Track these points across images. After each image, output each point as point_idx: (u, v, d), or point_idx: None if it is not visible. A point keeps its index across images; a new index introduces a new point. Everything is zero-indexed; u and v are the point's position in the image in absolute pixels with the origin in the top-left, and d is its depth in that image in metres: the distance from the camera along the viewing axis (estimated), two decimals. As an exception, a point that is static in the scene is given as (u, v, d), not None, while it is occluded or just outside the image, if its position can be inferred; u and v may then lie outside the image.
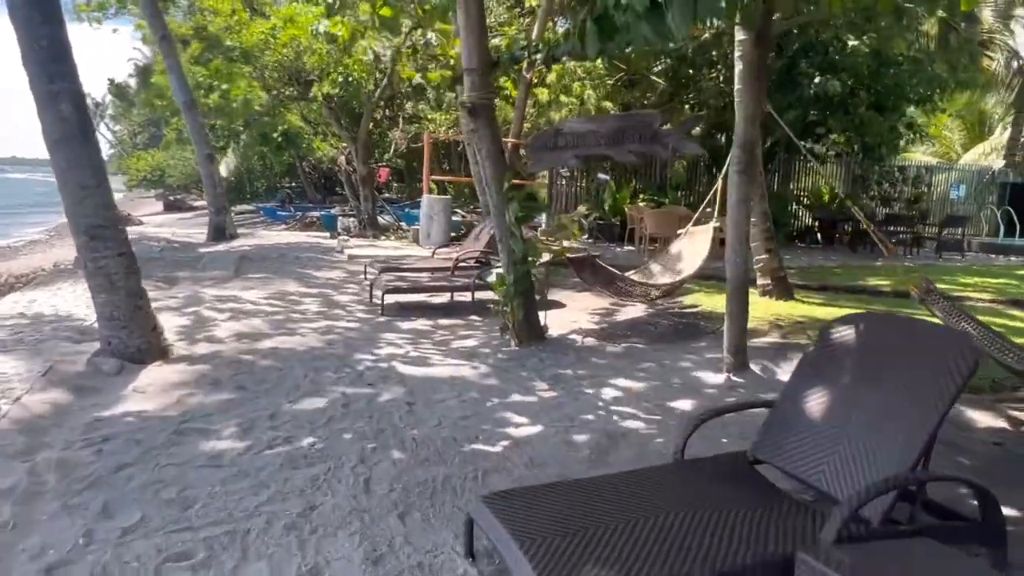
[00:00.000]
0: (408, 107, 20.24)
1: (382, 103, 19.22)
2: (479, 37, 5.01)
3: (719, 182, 7.20)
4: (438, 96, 19.27)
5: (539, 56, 6.15)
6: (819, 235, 15.65)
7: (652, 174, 15.67)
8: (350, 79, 14.12)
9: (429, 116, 18.78)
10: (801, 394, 2.95)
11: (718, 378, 4.98)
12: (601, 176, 13.71)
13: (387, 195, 25.33)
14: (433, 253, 9.56)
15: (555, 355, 5.52)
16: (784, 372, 5.09)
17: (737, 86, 4.50)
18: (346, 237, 13.75)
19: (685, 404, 4.45)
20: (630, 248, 12.95)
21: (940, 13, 12.74)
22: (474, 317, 7.01)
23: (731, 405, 3.15)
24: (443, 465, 3.42)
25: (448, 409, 4.24)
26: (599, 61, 16.19)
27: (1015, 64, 17.01)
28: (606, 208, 14.01)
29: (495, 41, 18.57)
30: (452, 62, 9.89)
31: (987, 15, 14.36)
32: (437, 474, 3.30)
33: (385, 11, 5.61)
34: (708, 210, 7.66)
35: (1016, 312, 7.48)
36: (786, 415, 2.95)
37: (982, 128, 28.76)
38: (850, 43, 11.53)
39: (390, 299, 7.27)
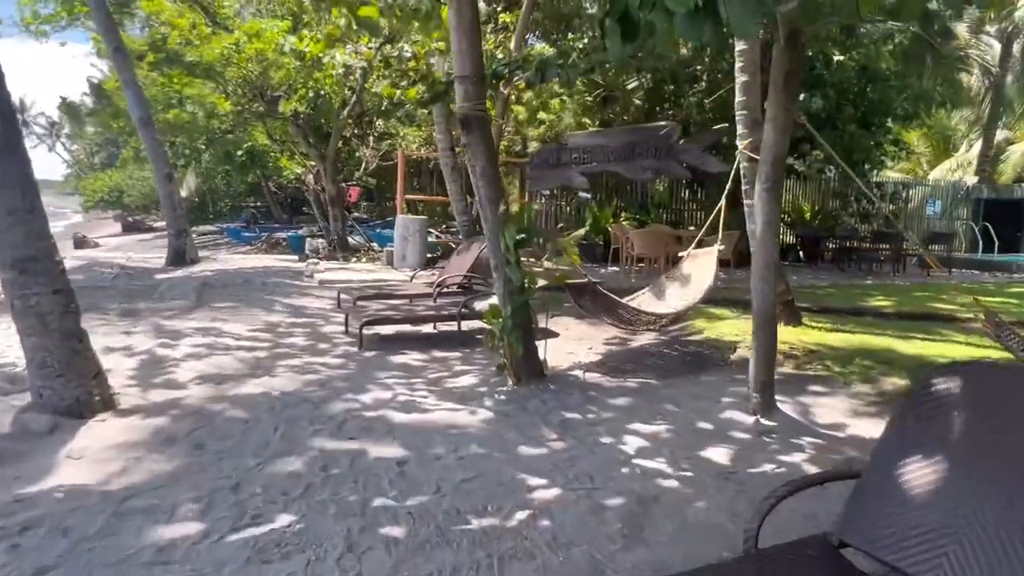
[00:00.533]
0: (379, 124, 19.64)
1: (351, 120, 18.60)
2: (473, 41, 4.46)
3: (723, 200, 6.74)
4: (409, 112, 18.75)
5: (526, 74, 5.66)
6: (801, 253, 15.39)
7: (634, 192, 15.27)
8: (320, 94, 13.47)
9: (401, 132, 18.18)
10: (899, 462, 2.40)
11: (745, 420, 4.44)
12: (582, 195, 13.25)
13: (357, 214, 24.62)
14: (412, 278, 8.93)
15: (558, 395, 4.93)
16: (818, 412, 4.59)
17: (764, 96, 4.03)
18: (316, 260, 13.03)
19: (717, 454, 3.90)
20: (615, 268, 12.46)
21: (913, 28, 12.66)
22: (463, 349, 6.40)
23: (809, 479, 2.60)
24: (448, 549, 2.79)
25: (447, 469, 3.61)
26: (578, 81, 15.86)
27: (986, 80, 17.11)
28: (588, 227, 13.54)
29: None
30: (429, 76, 9.32)
31: (962, 30, 14.36)
32: (443, 564, 2.67)
33: (367, 10, 5.03)
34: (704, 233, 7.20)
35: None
36: (881, 489, 2.40)
37: (947, 145, 29.26)
38: (835, 58, 11.29)
39: (370, 330, 6.63)
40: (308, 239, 17.26)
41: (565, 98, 15.44)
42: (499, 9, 17.14)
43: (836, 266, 14.19)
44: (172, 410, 4.39)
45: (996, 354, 5.99)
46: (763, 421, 4.39)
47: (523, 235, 4.70)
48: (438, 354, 6.20)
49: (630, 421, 4.42)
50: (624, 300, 5.85)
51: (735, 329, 6.95)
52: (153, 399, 4.62)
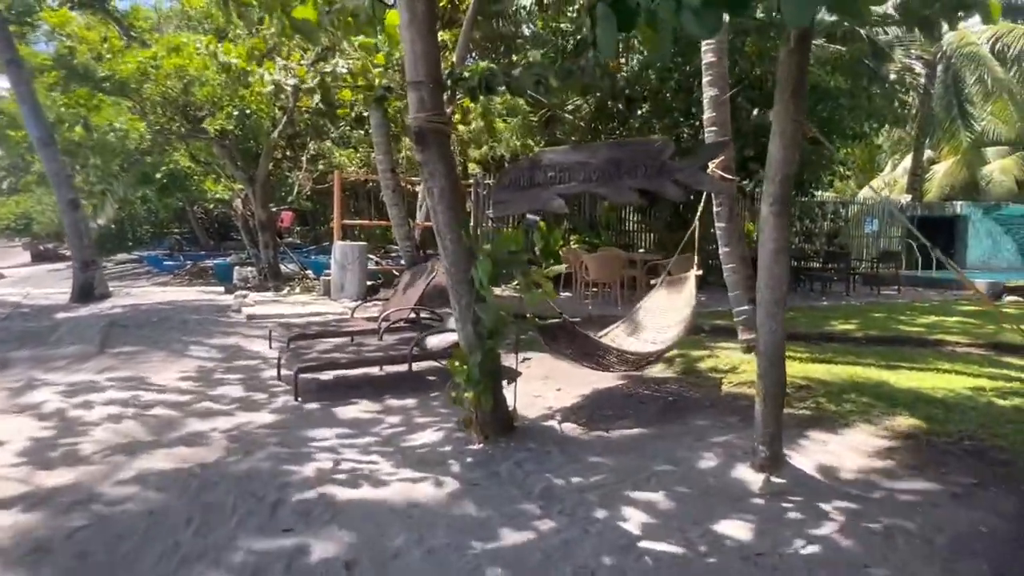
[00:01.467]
0: (312, 146, 18.65)
1: (283, 142, 17.57)
2: (428, 40, 3.77)
3: (695, 224, 6.23)
4: (344, 133, 17.87)
5: (471, 84, 5.02)
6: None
7: (583, 213, 14.82)
8: (247, 113, 12.48)
9: (338, 154, 17.26)
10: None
11: (754, 478, 3.82)
12: (531, 217, 12.58)
13: (290, 240, 23.37)
14: (353, 312, 8.07)
15: (535, 454, 4.22)
16: (830, 464, 4.02)
17: (776, 105, 3.48)
18: (244, 292, 11.94)
19: (735, 528, 3.25)
20: (567, 294, 11.89)
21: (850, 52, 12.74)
22: (417, 395, 5.62)
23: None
24: None
25: (410, 572, 2.84)
26: (520, 100, 15.37)
27: (915, 101, 17.56)
28: (537, 252, 12.95)
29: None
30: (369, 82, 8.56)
31: (898, 53, 14.64)
32: None
33: (303, 11, 4.26)
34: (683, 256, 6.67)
35: (1015, 360, 6.85)
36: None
37: (872, 164, 30.28)
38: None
39: (307, 377, 5.77)
40: (236, 267, 16.11)
41: (509, 119, 14.95)
42: (437, 27, 16.58)
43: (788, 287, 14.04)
44: (52, 501, 3.46)
45: (989, 384, 5.64)
46: (775, 480, 3.79)
47: (501, 268, 4.00)
48: (390, 403, 5.39)
49: (624, 486, 3.74)
50: (603, 338, 5.21)
51: (714, 362, 6.41)
52: (30, 485, 3.66)
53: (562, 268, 4.54)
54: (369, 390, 5.79)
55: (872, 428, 4.60)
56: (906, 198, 20.30)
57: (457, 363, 4.24)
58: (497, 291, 4.30)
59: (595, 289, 11.07)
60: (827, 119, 11.34)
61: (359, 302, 10.04)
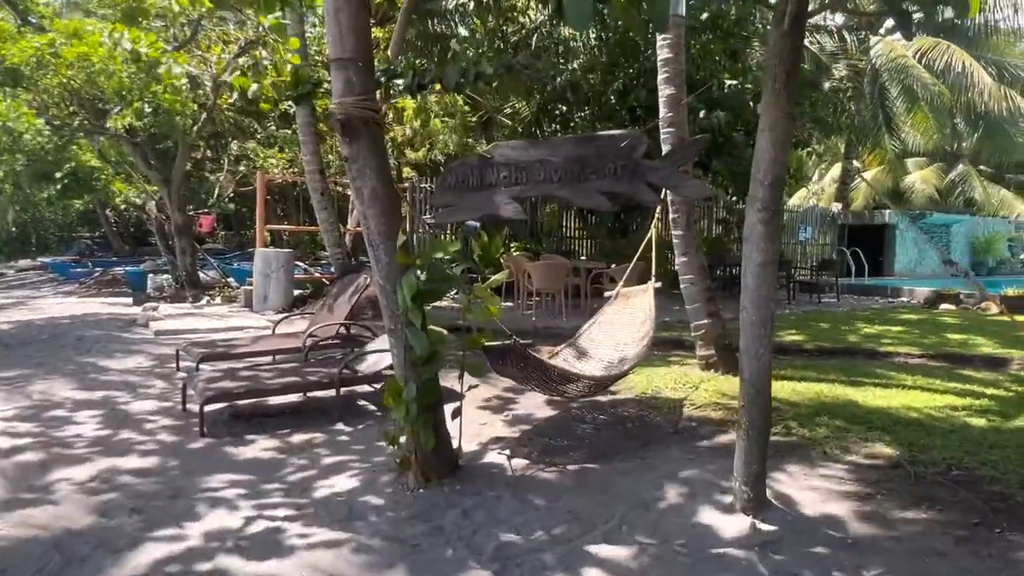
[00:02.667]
0: (234, 146, 17.51)
1: (201, 142, 16.39)
2: (355, 10, 3.13)
3: (651, 231, 5.77)
4: (271, 133, 16.85)
5: (402, 81, 4.45)
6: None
7: (524, 220, 14.30)
8: (159, 108, 11.39)
9: (261, 154, 16.20)
10: None
11: (736, 524, 3.33)
12: (470, 223, 12.00)
13: (213, 245, 21.96)
14: (275, 328, 7.26)
15: (484, 500, 3.60)
16: (816, 503, 3.57)
17: (765, 97, 3.00)
18: (154, 304, 10.86)
19: (725, 595, 2.74)
20: (508, 304, 11.34)
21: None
22: (342, 426, 4.92)
23: None
24: None
25: None
26: (459, 98, 14.76)
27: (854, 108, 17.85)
28: (476, 260, 12.34)
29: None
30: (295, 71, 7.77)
31: (836, 64, 14.79)
32: None
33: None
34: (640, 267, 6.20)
35: (973, 372, 6.68)
36: None
37: (800, 172, 31.08)
38: (728, 82, 10.94)
39: (215, 408, 5.00)
40: (151, 275, 14.89)
41: (447, 119, 14.33)
42: (370, 24, 15.82)
43: (727, 293, 13.89)
44: None
45: (958, 401, 5.37)
46: (760, 525, 3.30)
47: (434, 283, 3.37)
48: (309, 437, 4.67)
49: (589, 538, 3.18)
50: (557, 361, 4.66)
51: (672, 379, 5.96)
52: None
53: (504, 277, 3.95)
54: (289, 420, 5.06)
55: (853, 457, 4.20)
56: (836, 206, 20.70)
57: (391, 396, 3.60)
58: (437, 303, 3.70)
59: (538, 298, 10.55)
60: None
61: (284, 315, 9.20)
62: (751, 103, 10.65)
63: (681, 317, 9.57)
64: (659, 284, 5.35)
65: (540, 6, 14.80)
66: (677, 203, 6.02)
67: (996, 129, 18.60)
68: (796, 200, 25.37)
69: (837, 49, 15.68)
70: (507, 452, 4.36)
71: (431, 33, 16.25)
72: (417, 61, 12.19)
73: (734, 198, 14.04)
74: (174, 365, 6.48)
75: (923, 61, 17.37)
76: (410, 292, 3.28)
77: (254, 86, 4.18)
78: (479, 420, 5.06)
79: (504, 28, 14.49)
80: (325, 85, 4.64)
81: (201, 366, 5.76)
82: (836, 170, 25.97)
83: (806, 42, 14.75)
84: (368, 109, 3.09)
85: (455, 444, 4.01)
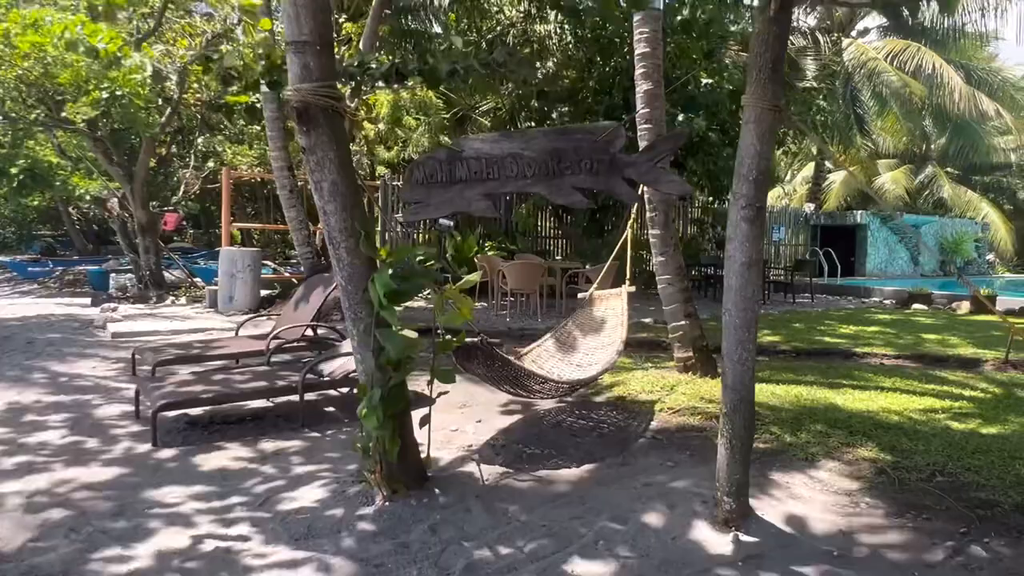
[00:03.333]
0: (201, 141, 17.02)
1: (167, 137, 15.90)
2: (314, -10, 2.90)
3: (627, 231, 5.62)
4: (239, 129, 16.43)
5: (380, 71, 4.23)
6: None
7: (499, 217, 14.08)
8: (120, 98, 10.94)
9: (229, 150, 15.78)
10: None
11: (719, 538, 3.17)
12: (444, 222, 11.83)
13: (182, 244, 21.39)
14: (238, 330, 6.97)
15: (453, 514, 3.40)
16: (802, 513, 3.42)
17: (748, 87, 2.84)
18: (113, 304, 10.45)
19: (710, 617, 2.57)
20: (483, 304, 11.14)
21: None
22: (306, 433, 4.68)
23: None
24: None
25: None
26: (432, 95, 14.50)
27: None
28: (450, 259, 12.14)
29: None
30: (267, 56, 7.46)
31: (809, 64, 14.85)
32: None
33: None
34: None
35: (949, 373, 6.64)
36: None
37: (771, 173, 31.36)
38: (704, 80, 10.86)
39: (171, 416, 4.73)
40: (113, 275, 14.43)
41: (421, 118, 14.06)
42: (342, 20, 15.51)
43: (702, 294, 13.87)
44: None
45: (937, 403, 5.31)
46: (743, 538, 3.15)
47: (407, 282, 3.15)
48: (271, 446, 4.43)
49: (565, 556, 2.99)
50: (525, 361, 4.47)
51: (648, 382, 5.80)
52: None
53: (477, 278, 3.75)
54: (250, 428, 4.81)
55: (836, 464, 4.07)
56: (809, 207, 20.85)
57: (365, 407, 3.37)
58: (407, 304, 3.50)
59: (512, 298, 10.36)
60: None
61: (250, 316, 8.89)
62: (728, 102, 10.57)
63: (658, 318, 9.48)
64: (633, 288, 5.19)
65: (516, 3, 14.63)
66: (655, 201, 5.88)
67: (965, 130, 18.86)
68: (768, 200, 25.53)
69: (810, 50, 15.73)
70: (477, 458, 4.17)
71: (404, 29, 15.98)
72: (389, 57, 11.95)
73: (710, 198, 14.00)
74: (132, 368, 6.16)
75: (895, 63, 17.54)
76: (383, 290, 3.06)
77: (231, 60, 3.87)
78: (450, 425, 4.86)
79: (479, 25, 14.29)
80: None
81: (159, 368, 5.47)
82: (808, 170, 26.22)
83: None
84: (327, 96, 2.87)
85: (424, 453, 3.80)
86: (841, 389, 5.68)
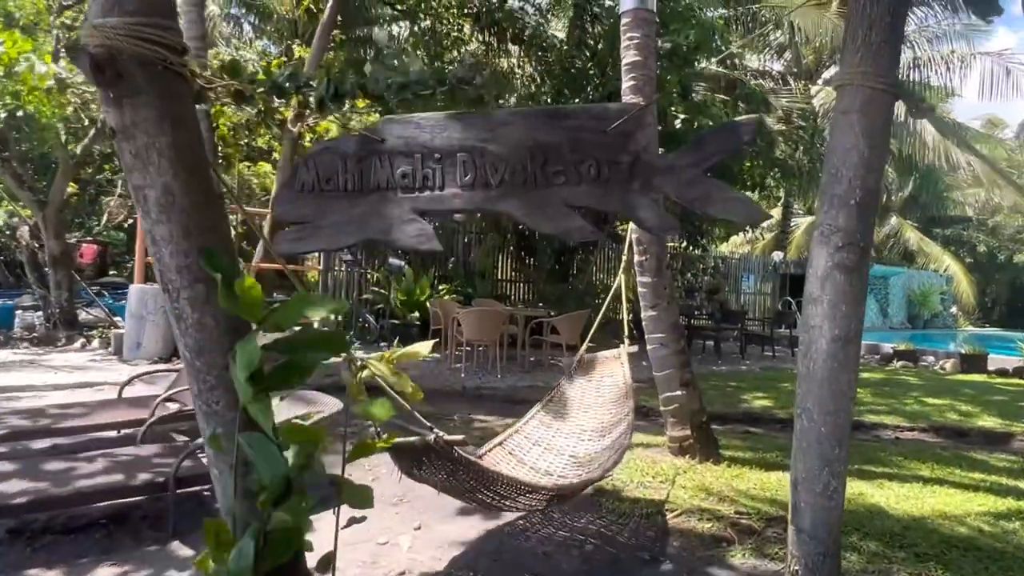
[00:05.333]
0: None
1: (93, 160, 14.38)
2: None
3: (619, 277, 4.50)
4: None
5: (313, 91, 3.07)
6: (636, 331, 13.95)
7: (454, 254, 12.86)
8: (19, 114, 9.52)
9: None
10: None
11: None
12: (394, 261, 10.60)
13: (113, 278, 19.53)
14: (122, 389, 5.51)
15: None
16: None
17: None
18: (-8, 350, 8.83)
19: None
20: (435, 355, 9.84)
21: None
22: (174, 550, 3.33)
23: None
24: None
25: None
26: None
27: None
28: (398, 304, 10.83)
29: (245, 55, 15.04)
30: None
31: (782, 104, 14.28)
32: None
33: None
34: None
35: (986, 456, 5.60)
36: None
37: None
38: (680, 117, 10.01)
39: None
40: (19, 311, 12.76)
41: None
42: (295, 44, 14.44)
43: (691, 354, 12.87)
44: None
45: (1000, 504, 4.22)
46: None
47: (294, 352, 1.89)
48: (117, 571, 3.07)
49: None
50: (501, 455, 3.24)
51: (637, 471, 4.59)
52: None
53: (426, 350, 2.49)
54: (94, 541, 3.42)
55: (912, 609, 2.92)
56: (778, 255, 20.26)
57: (212, 550, 2.06)
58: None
59: (468, 348, 9.10)
60: (725, 165, 10.32)
61: (154, 368, 7.44)
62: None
63: (642, 375, 8.34)
64: (634, 348, 4.04)
65: (479, 34, 13.78)
66: (645, 242, 4.78)
67: (931, 180, 18.58)
68: (729, 247, 24.96)
69: (781, 92, 15.24)
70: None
71: (360, 59, 14.99)
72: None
73: (682, 243, 13.10)
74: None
75: (864, 111, 17.16)
76: (247, 370, 1.80)
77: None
78: (378, 535, 3.56)
79: (440, 55, 13.37)
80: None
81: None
82: (776, 213, 25.83)
83: (753, 81, 14.20)
84: (154, 42, 1.67)
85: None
86: (875, 480, 4.57)
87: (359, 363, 2.33)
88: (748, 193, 11.66)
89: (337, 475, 2.04)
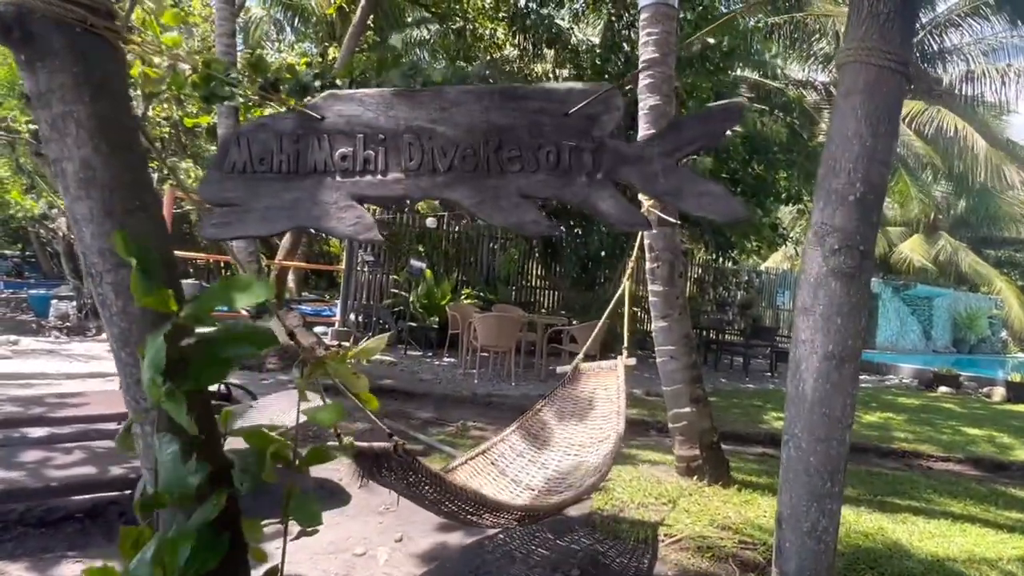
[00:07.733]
0: (173, 160, 15.78)
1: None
2: None
3: (624, 284, 4.26)
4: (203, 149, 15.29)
5: (302, 80, 3.03)
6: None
7: (478, 263, 12.69)
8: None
9: (192, 174, 14.55)
10: None
11: None
12: (415, 263, 10.47)
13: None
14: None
15: None
16: None
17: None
18: (15, 337, 8.97)
19: None
20: (451, 360, 9.70)
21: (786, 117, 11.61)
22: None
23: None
24: None
25: None
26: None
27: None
28: (419, 307, 10.70)
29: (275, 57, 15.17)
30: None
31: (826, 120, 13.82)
32: None
33: None
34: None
35: (1020, 491, 5.19)
36: None
37: (775, 234, 30.27)
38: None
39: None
40: (54, 301, 13.05)
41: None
42: (331, 47, 14.58)
43: (702, 362, 12.46)
44: None
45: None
46: None
47: (211, 347, 1.73)
48: (76, 568, 2.95)
49: None
50: (474, 463, 3.03)
51: (638, 490, 4.33)
52: None
53: (381, 346, 2.29)
54: (66, 535, 3.33)
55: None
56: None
57: (125, 548, 1.90)
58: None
59: (485, 355, 8.90)
60: (759, 176, 9.95)
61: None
62: (741, 148, 9.35)
63: (651, 388, 8.05)
64: (633, 361, 3.80)
65: (511, 38, 13.67)
66: (657, 249, 4.53)
67: (986, 198, 17.77)
68: (771, 263, 24.31)
69: (824, 105, 14.75)
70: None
71: (392, 60, 15.04)
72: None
73: (713, 255, 12.70)
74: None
75: (913, 126, 16.53)
76: (155, 366, 1.65)
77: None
78: (356, 544, 3.39)
79: (470, 61, 13.28)
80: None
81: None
82: (813, 234, 25.06)
83: (792, 91, 13.74)
84: (71, 0, 1.53)
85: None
86: (899, 514, 4.22)
87: (314, 361, 2.15)
88: (783, 206, 11.23)
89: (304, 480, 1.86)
